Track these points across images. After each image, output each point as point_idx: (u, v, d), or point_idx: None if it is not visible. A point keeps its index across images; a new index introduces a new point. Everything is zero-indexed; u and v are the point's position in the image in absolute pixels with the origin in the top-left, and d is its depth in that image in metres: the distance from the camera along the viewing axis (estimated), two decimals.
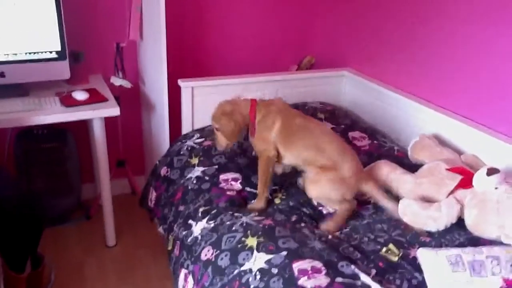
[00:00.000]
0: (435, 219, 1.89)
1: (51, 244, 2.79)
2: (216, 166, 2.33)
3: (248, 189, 2.22)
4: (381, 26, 2.79)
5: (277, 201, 2.16)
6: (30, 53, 2.49)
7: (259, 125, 2.15)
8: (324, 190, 2.06)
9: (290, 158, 2.16)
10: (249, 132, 2.20)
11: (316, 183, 2.07)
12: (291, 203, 2.13)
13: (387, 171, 2.18)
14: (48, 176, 2.87)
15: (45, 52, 2.52)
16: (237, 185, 2.23)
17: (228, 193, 2.17)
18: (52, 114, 2.38)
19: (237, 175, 2.28)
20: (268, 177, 2.12)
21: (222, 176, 2.27)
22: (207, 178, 2.27)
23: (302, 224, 1.95)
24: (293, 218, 2.01)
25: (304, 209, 2.10)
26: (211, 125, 2.61)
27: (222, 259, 1.78)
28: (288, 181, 2.28)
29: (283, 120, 2.12)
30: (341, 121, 2.70)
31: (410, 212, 1.95)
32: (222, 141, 2.21)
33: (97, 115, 2.48)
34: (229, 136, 2.17)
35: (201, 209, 2.09)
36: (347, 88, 3.07)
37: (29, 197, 2.57)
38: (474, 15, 2.21)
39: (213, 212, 2.05)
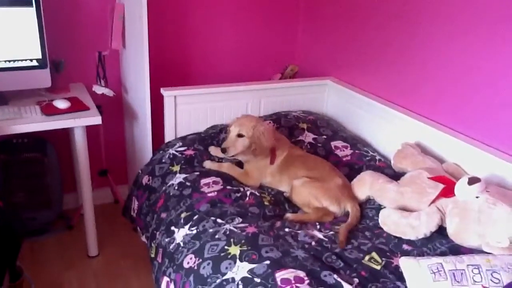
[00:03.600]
0: (414, 227, 1.91)
1: (32, 256, 2.75)
2: (198, 173, 2.33)
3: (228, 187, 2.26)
4: (363, 35, 2.82)
5: (265, 202, 2.18)
6: (10, 61, 2.46)
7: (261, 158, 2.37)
8: (306, 195, 2.20)
9: (286, 181, 2.33)
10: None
11: (301, 188, 2.22)
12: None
13: (370, 181, 2.21)
14: (28, 186, 2.83)
15: (26, 60, 2.49)
16: (218, 187, 2.23)
17: (209, 195, 2.16)
18: (32, 122, 2.35)
19: (218, 179, 2.28)
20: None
21: (203, 181, 2.26)
22: (188, 183, 2.26)
23: (286, 230, 1.95)
24: (277, 224, 2.01)
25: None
26: (198, 133, 2.63)
27: (204, 267, 1.77)
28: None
29: (289, 151, 2.40)
30: (323, 130, 2.71)
31: (390, 222, 1.97)
32: (239, 147, 2.32)
33: (79, 123, 2.46)
34: (260, 150, 2.33)
35: (183, 215, 2.08)
36: (330, 97, 3.09)
37: (7, 209, 2.53)
38: (454, 25, 2.24)
39: (195, 218, 2.04)
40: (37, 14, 2.44)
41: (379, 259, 1.79)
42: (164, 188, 2.32)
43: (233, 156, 2.36)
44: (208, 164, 2.41)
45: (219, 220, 1.99)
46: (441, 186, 2.00)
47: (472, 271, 1.58)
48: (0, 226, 2.07)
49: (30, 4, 2.41)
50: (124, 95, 3.09)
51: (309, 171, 2.29)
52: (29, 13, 2.42)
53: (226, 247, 1.81)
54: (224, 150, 2.33)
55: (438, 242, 1.88)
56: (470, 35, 2.17)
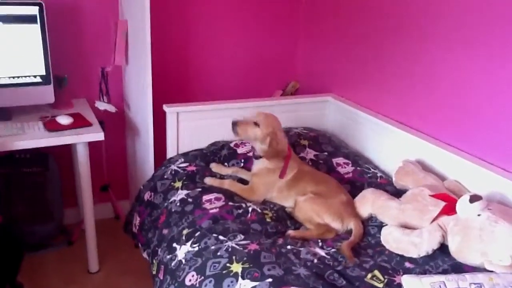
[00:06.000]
0: (416, 245, 1.91)
1: (32, 271, 2.74)
2: (200, 189, 2.32)
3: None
4: (364, 52, 2.84)
5: (267, 219, 2.18)
6: (14, 77, 2.48)
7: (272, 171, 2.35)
8: (308, 210, 2.20)
9: (293, 196, 2.31)
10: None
11: (304, 203, 2.22)
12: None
13: (372, 198, 2.21)
14: (29, 201, 2.83)
15: (29, 76, 2.51)
16: (220, 203, 2.23)
17: (211, 211, 2.16)
18: (35, 138, 2.36)
19: (220, 195, 2.28)
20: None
21: (205, 197, 2.26)
22: (190, 200, 2.26)
23: (288, 247, 1.95)
24: (280, 241, 2.00)
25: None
26: (200, 149, 2.68)
27: (206, 285, 1.76)
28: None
29: (299, 168, 2.37)
30: (324, 147, 2.72)
31: (392, 239, 1.96)
32: (249, 132, 2.32)
33: (81, 139, 2.47)
34: (271, 153, 2.30)
35: (184, 232, 2.08)
36: (331, 113, 3.10)
37: (9, 223, 2.53)
38: (456, 43, 2.25)
39: (197, 234, 2.03)
40: (41, 31, 2.46)
41: (381, 277, 1.79)
42: (166, 204, 2.33)
43: (237, 136, 2.36)
44: (209, 181, 2.41)
45: (221, 237, 1.99)
46: (443, 203, 2.00)
47: None
48: (2, 241, 2.07)
49: (35, 21, 2.43)
50: (126, 111, 3.10)
51: (317, 186, 2.29)
52: (33, 30, 2.45)
53: (228, 264, 1.81)
54: (234, 123, 2.33)
55: (440, 260, 1.88)
56: (473, 52, 2.18)
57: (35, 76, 2.52)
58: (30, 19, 2.43)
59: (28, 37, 2.45)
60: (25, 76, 2.51)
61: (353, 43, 2.93)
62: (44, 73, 2.53)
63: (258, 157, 2.39)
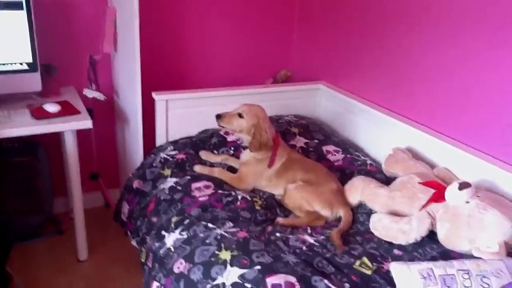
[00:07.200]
0: (404, 232, 1.91)
1: (21, 261, 2.73)
2: (189, 177, 2.31)
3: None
4: (356, 41, 2.83)
5: (257, 207, 2.17)
6: (0, 64, 2.44)
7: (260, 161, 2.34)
8: (298, 198, 2.20)
9: (282, 185, 2.31)
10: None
11: (294, 191, 2.22)
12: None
13: (362, 186, 2.21)
14: (19, 190, 2.80)
15: (16, 63, 2.48)
16: (209, 191, 2.22)
17: (200, 199, 2.15)
18: (22, 126, 2.34)
19: (209, 183, 2.27)
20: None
21: (195, 185, 2.25)
22: (179, 188, 2.25)
23: (278, 235, 1.95)
24: (269, 229, 2.00)
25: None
26: (190, 137, 2.64)
27: (194, 272, 1.76)
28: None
29: (288, 156, 2.36)
30: (314, 135, 2.71)
31: (380, 227, 1.97)
32: (233, 123, 2.32)
33: (69, 127, 2.44)
34: (256, 144, 2.28)
35: (173, 219, 2.08)
36: (322, 101, 3.09)
37: None
38: (445, 31, 2.25)
39: (186, 222, 2.03)
40: (28, 18, 2.42)
41: (370, 264, 1.79)
42: (155, 192, 2.32)
43: (223, 127, 2.37)
44: (198, 169, 2.40)
45: (210, 225, 1.99)
46: (432, 191, 2.01)
47: (462, 276, 1.59)
48: None
49: (21, 7, 2.39)
50: (115, 99, 3.08)
51: (306, 174, 2.29)
52: (19, 17, 2.40)
53: (216, 252, 1.80)
54: (218, 116, 2.33)
55: (429, 247, 1.89)
56: (466, 44, 2.18)
57: (21, 64, 2.49)
58: (16, 6, 2.38)
59: (15, 24, 2.41)
60: (12, 64, 2.47)
61: (346, 33, 2.92)
62: (31, 61, 2.50)
63: (245, 148, 2.38)
